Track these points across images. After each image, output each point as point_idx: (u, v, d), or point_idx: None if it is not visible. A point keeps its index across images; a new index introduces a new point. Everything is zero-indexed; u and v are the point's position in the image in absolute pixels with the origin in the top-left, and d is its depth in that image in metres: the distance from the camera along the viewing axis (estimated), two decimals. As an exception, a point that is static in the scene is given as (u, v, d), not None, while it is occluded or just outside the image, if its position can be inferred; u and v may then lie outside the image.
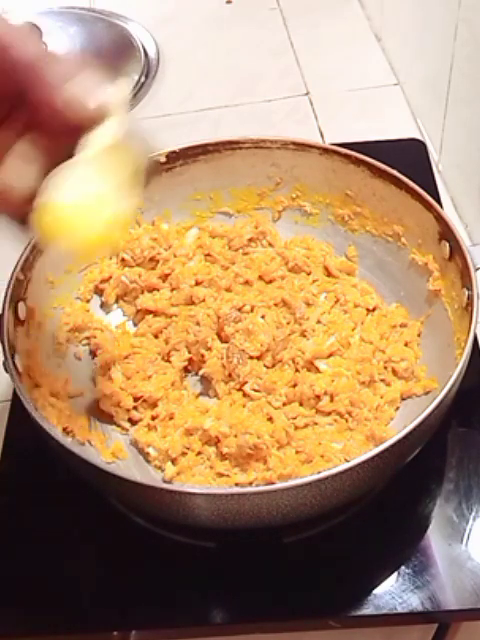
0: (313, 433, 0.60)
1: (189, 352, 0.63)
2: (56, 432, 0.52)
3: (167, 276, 0.69)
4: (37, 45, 0.40)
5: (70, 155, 0.41)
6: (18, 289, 0.58)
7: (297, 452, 0.58)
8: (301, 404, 0.61)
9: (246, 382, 0.61)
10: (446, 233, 0.60)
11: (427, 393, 0.61)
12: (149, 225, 0.70)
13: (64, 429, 0.58)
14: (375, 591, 0.55)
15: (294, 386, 0.62)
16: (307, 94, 0.97)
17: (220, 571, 0.57)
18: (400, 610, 0.54)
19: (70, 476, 0.53)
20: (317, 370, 0.62)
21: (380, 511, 0.58)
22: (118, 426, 0.61)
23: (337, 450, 0.58)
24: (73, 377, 0.62)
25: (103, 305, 0.69)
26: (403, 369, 0.62)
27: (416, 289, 0.65)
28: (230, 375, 0.62)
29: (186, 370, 0.64)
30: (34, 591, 0.57)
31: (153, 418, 0.61)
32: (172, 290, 0.68)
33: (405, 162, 0.67)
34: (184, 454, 0.59)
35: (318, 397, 0.61)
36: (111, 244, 0.43)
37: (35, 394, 0.57)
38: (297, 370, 0.63)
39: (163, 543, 0.57)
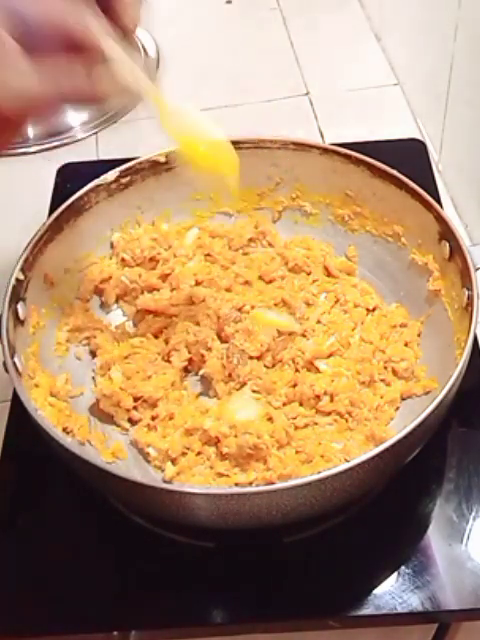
0: (313, 433, 0.60)
1: (189, 352, 0.63)
2: (56, 432, 0.52)
3: (167, 276, 0.69)
4: None
5: None
6: (18, 289, 0.58)
7: (297, 452, 0.58)
8: (301, 404, 0.61)
9: (246, 382, 0.61)
10: (446, 233, 0.60)
11: (427, 393, 0.61)
12: (149, 225, 0.71)
13: (64, 429, 0.58)
14: (375, 591, 0.55)
15: (294, 386, 0.62)
16: (307, 94, 0.97)
17: (220, 571, 0.57)
18: (400, 610, 0.54)
19: (70, 476, 0.53)
20: (317, 370, 0.62)
21: (380, 511, 0.58)
22: (118, 426, 0.61)
23: (337, 450, 0.58)
24: (73, 377, 0.62)
25: (103, 305, 0.69)
26: (403, 369, 0.62)
27: (416, 289, 0.65)
28: (230, 375, 0.62)
29: (186, 370, 0.64)
30: (34, 591, 0.57)
31: (153, 418, 0.61)
32: (172, 290, 0.68)
33: (405, 162, 0.67)
34: (184, 454, 0.59)
35: (318, 397, 0.61)
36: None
37: (35, 394, 0.57)
38: (297, 370, 0.63)
39: (163, 543, 0.57)
